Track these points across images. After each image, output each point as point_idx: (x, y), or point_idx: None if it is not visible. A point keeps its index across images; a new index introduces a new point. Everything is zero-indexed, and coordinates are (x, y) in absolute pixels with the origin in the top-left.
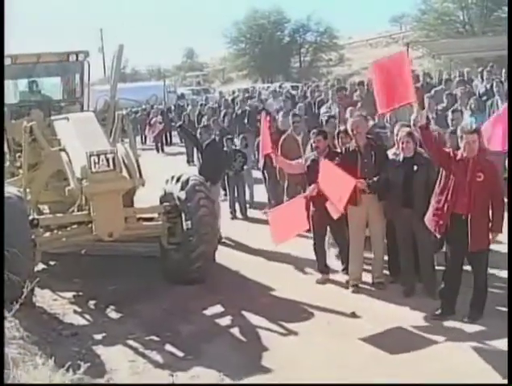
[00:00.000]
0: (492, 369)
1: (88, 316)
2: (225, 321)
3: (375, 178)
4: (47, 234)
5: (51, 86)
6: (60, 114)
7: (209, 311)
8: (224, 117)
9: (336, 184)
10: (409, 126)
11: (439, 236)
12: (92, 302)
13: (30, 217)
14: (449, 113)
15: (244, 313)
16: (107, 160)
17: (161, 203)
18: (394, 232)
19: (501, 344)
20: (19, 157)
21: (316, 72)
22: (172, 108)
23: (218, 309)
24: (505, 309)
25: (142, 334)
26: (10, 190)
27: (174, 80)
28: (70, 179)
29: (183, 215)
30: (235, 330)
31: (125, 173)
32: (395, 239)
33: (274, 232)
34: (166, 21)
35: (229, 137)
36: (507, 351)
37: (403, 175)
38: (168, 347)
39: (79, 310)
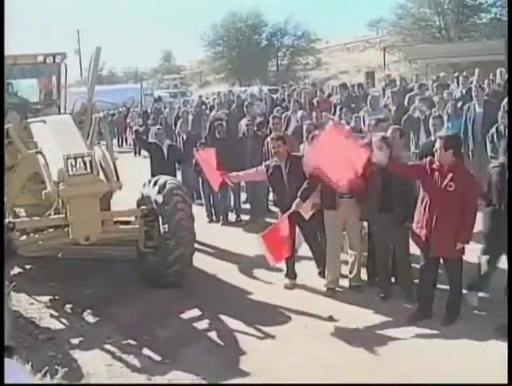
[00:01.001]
0: (469, 370)
1: (64, 320)
2: (203, 324)
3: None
4: (24, 237)
5: (28, 88)
6: (37, 116)
7: (186, 315)
8: (192, 121)
9: (341, 159)
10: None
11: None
12: (68, 306)
13: (7, 220)
14: (430, 119)
15: (221, 316)
16: (84, 163)
17: (138, 206)
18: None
19: (480, 346)
20: None
21: (293, 76)
22: (148, 110)
23: (195, 312)
24: (480, 313)
25: (119, 338)
26: None
27: (151, 83)
28: (47, 182)
29: (160, 219)
30: (212, 334)
31: (102, 176)
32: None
33: (269, 254)
34: (143, 23)
35: (203, 141)
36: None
37: (381, 180)
38: (146, 351)
39: (55, 314)
